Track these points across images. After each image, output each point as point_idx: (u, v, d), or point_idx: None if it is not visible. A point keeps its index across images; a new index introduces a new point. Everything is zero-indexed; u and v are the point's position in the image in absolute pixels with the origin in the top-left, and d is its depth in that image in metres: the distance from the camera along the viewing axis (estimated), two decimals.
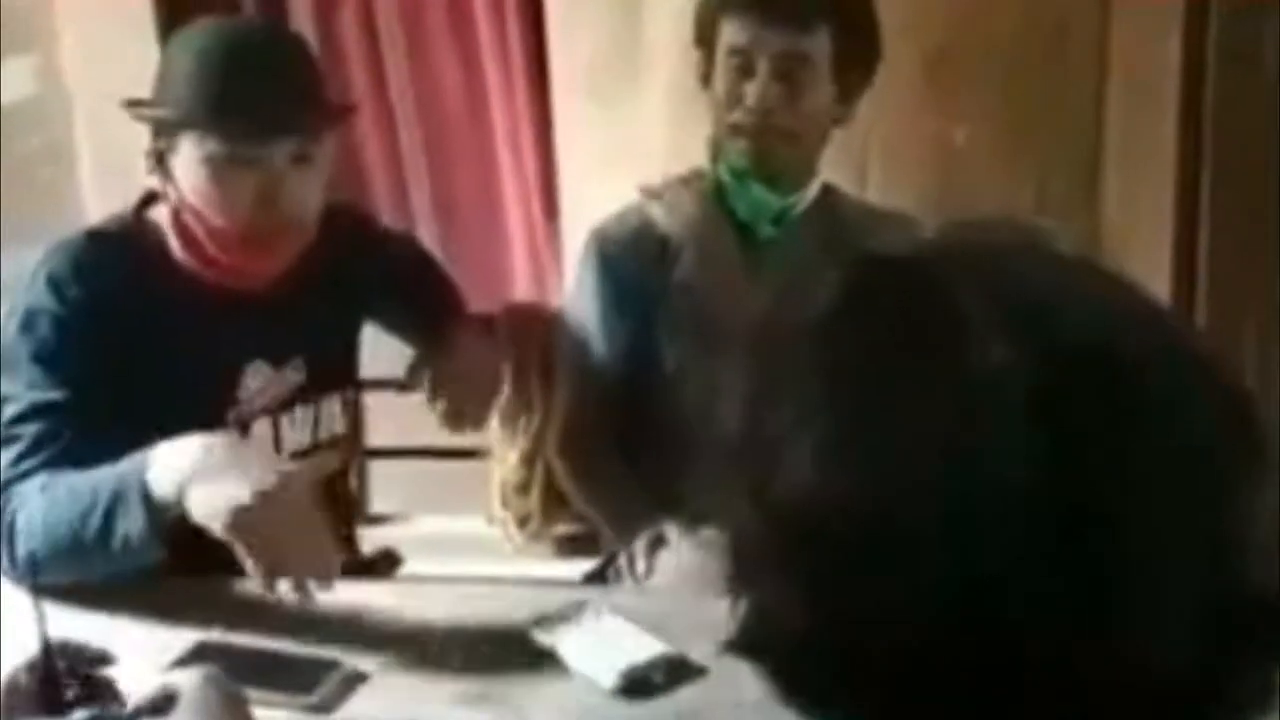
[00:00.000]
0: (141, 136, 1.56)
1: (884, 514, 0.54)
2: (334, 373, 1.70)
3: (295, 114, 1.51)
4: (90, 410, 1.47)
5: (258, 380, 1.60)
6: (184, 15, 1.81)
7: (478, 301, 1.90)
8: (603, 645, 1.33)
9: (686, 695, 1.27)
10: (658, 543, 1.68)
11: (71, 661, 1.14)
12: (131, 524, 1.33)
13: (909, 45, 2.02)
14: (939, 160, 2.20)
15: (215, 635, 1.35)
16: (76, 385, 1.48)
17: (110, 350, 1.50)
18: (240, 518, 1.26)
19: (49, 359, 1.49)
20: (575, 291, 1.83)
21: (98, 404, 1.47)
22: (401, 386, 1.67)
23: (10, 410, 1.48)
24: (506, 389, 1.85)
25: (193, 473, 1.31)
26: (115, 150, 1.89)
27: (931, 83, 2.16)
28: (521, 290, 2.57)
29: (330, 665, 1.32)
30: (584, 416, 1.81)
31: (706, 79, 1.73)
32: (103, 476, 1.37)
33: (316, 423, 1.66)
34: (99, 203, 2.20)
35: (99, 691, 1.14)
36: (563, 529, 1.99)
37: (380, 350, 1.84)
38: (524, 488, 1.99)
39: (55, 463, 1.44)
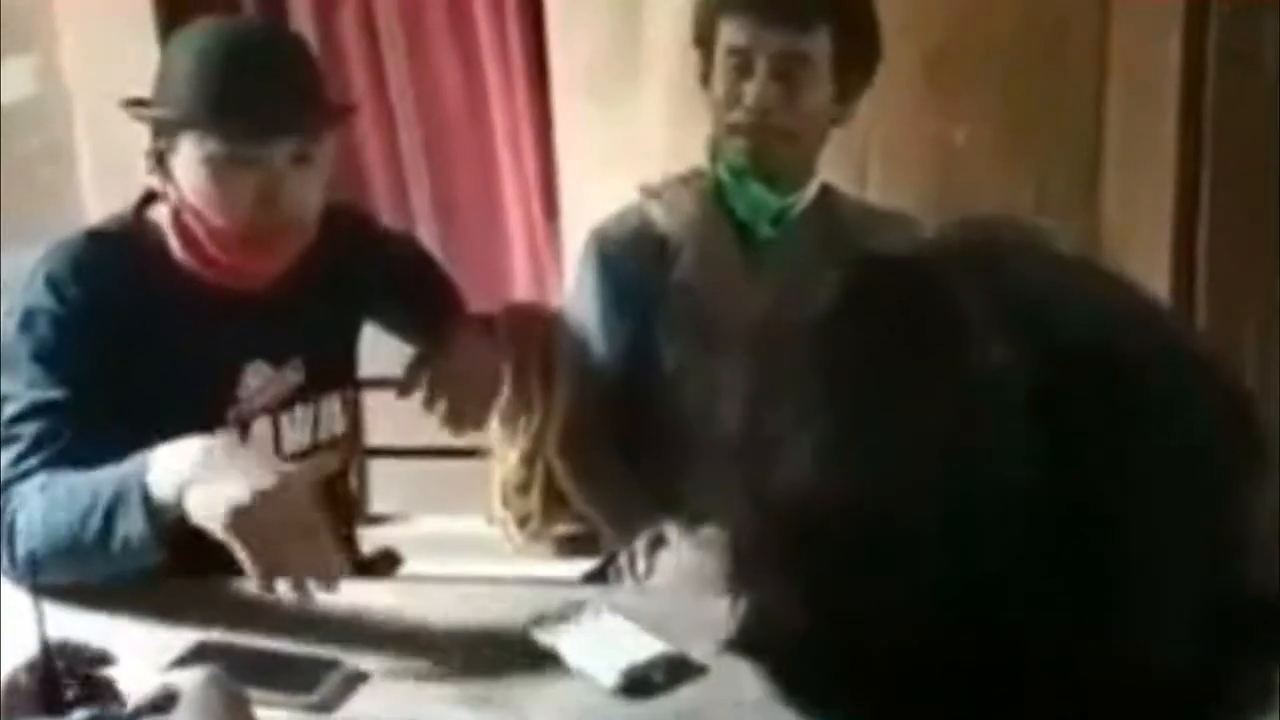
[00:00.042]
0: (141, 136, 1.56)
1: (884, 514, 0.54)
2: (333, 372, 1.70)
3: (295, 114, 1.51)
4: (90, 410, 1.47)
5: (257, 380, 1.60)
6: (184, 15, 1.81)
7: (478, 301, 1.90)
8: (603, 645, 1.33)
9: (687, 694, 1.27)
10: (658, 542, 1.68)
11: (71, 662, 1.14)
12: (132, 526, 1.33)
13: (909, 45, 2.02)
14: (939, 160, 2.20)
15: (215, 635, 1.36)
16: (76, 384, 1.48)
17: (110, 350, 1.50)
18: (239, 518, 1.26)
19: (48, 358, 1.49)
20: (575, 291, 1.83)
21: (97, 403, 1.47)
22: (399, 389, 1.67)
23: (10, 409, 1.48)
24: (506, 389, 1.85)
25: (192, 475, 1.31)
26: (115, 150, 1.89)
27: (931, 83, 2.16)
28: (521, 290, 2.57)
29: (331, 665, 1.32)
30: (584, 416, 1.81)
31: (705, 79, 1.73)
32: (103, 478, 1.37)
33: (316, 422, 1.67)
34: (99, 203, 2.20)
35: (99, 691, 1.14)
36: (563, 529, 2.00)
37: (380, 350, 1.84)
38: (524, 487, 1.99)
39: (55, 462, 1.44)
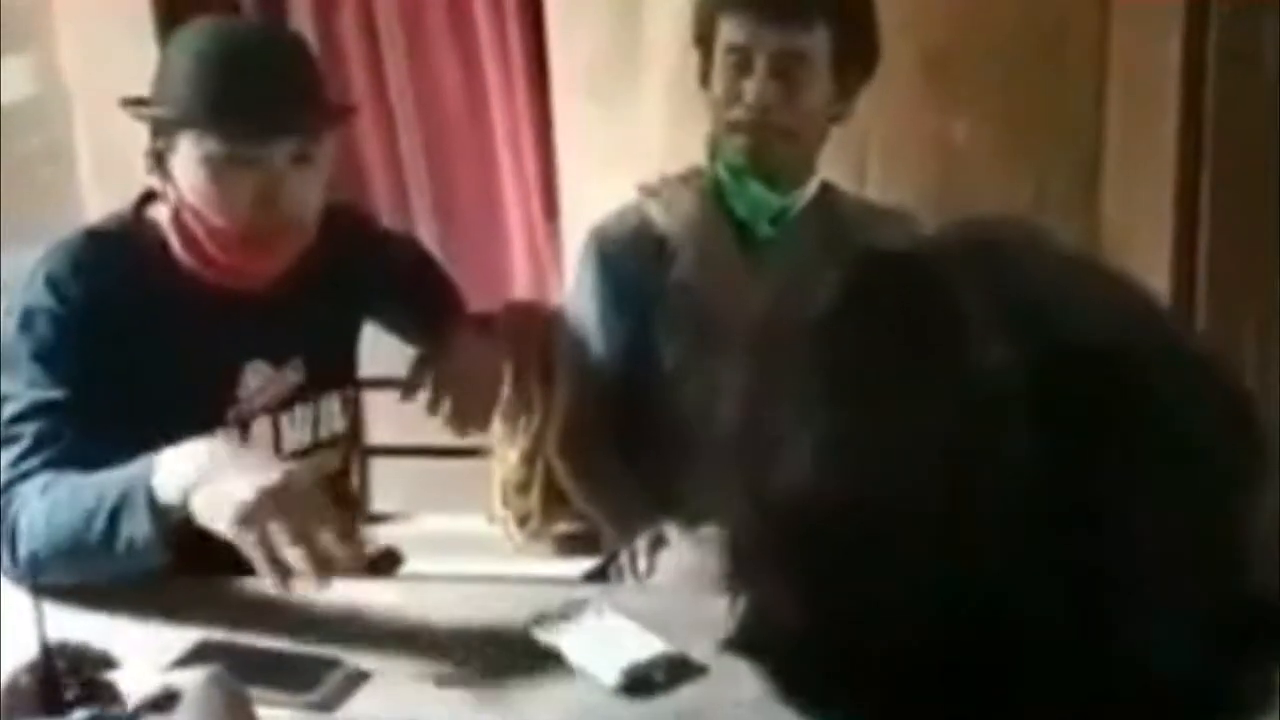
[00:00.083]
0: (141, 136, 1.56)
1: (883, 513, 0.54)
2: (333, 372, 1.70)
3: (294, 114, 1.51)
4: (90, 409, 1.47)
5: (257, 379, 1.60)
6: (183, 15, 1.81)
7: (478, 301, 1.90)
8: (604, 644, 1.33)
9: (687, 694, 1.27)
10: (658, 541, 1.68)
11: (72, 663, 1.14)
12: (137, 527, 1.34)
13: (908, 43, 2.02)
14: (938, 159, 2.20)
15: (217, 634, 1.36)
16: (76, 384, 1.48)
17: (109, 349, 1.50)
18: (245, 517, 1.27)
19: (48, 357, 1.49)
20: (574, 290, 1.83)
21: (97, 403, 1.47)
22: (403, 392, 1.67)
23: (10, 409, 1.48)
24: (506, 388, 1.85)
25: (198, 476, 1.31)
26: (114, 150, 1.89)
27: (931, 81, 2.16)
28: (521, 290, 2.57)
29: (332, 664, 1.32)
30: (583, 415, 1.81)
31: (705, 77, 1.73)
32: (108, 479, 1.37)
33: (316, 422, 1.67)
34: (98, 202, 2.20)
35: (99, 692, 1.14)
36: (563, 527, 2.00)
37: (380, 349, 1.84)
38: (524, 486, 1.99)
39: (56, 463, 1.44)
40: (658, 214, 1.76)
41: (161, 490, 1.33)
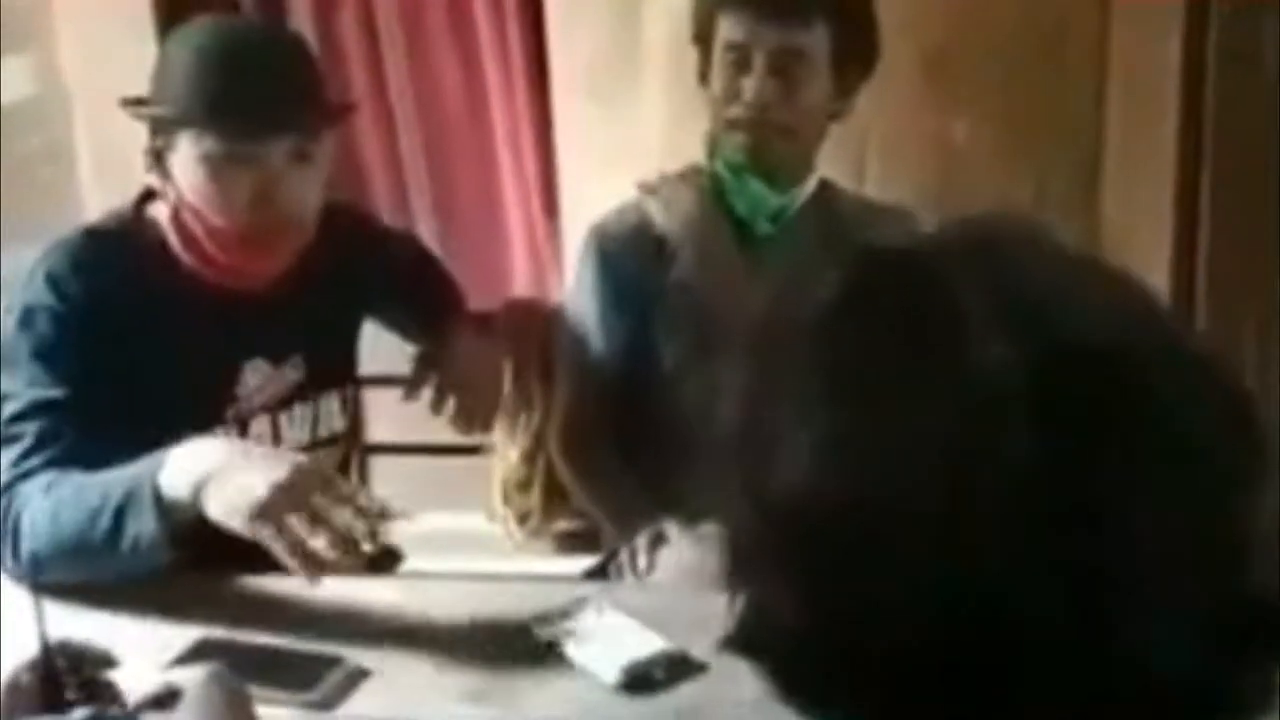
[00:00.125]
0: (141, 135, 1.56)
1: (883, 512, 0.54)
2: (333, 371, 1.70)
3: (293, 112, 1.51)
4: (90, 408, 1.47)
5: (257, 378, 1.60)
6: (183, 14, 1.81)
7: (478, 300, 1.90)
8: (604, 641, 1.33)
9: (688, 691, 1.28)
10: (658, 539, 1.68)
11: (72, 661, 1.14)
12: (143, 525, 1.34)
13: (908, 42, 2.02)
14: (937, 158, 2.20)
15: (217, 632, 1.36)
16: (76, 382, 1.48)
17: (109, 347, 1.50)
18: (260, 512, 1.27)
19: (48, 356, 1.49)
20: (574, 289, 1.83)
21: (97, 401, 1.47)
22: (406, 392, 1.67)
23: (10, 408, 1.48)
24: (507, 386, 1.85)
25: (206, 474, 1.32)
26: (114, 149, 1.89)
27: (930, 80, 2.16)
28: (521, 288, 2.57)
29: (332, 662, 1.32)
30: (583, 414, 1.81)
31: (704, 75, 1.73)
32: (113, 478, 1.38)
33: (315, 420, 1.67)
34: (98, 201, 2.20)
35: (99, 691, 1.15)
36: (564, 525, 2.00)
37: (380, 348, 1.84)
38: (525, 484, 1.99)
39: (58, 461, 1.44)
40: (657, 212, 1.76)
41: (169, 487, 1.33)
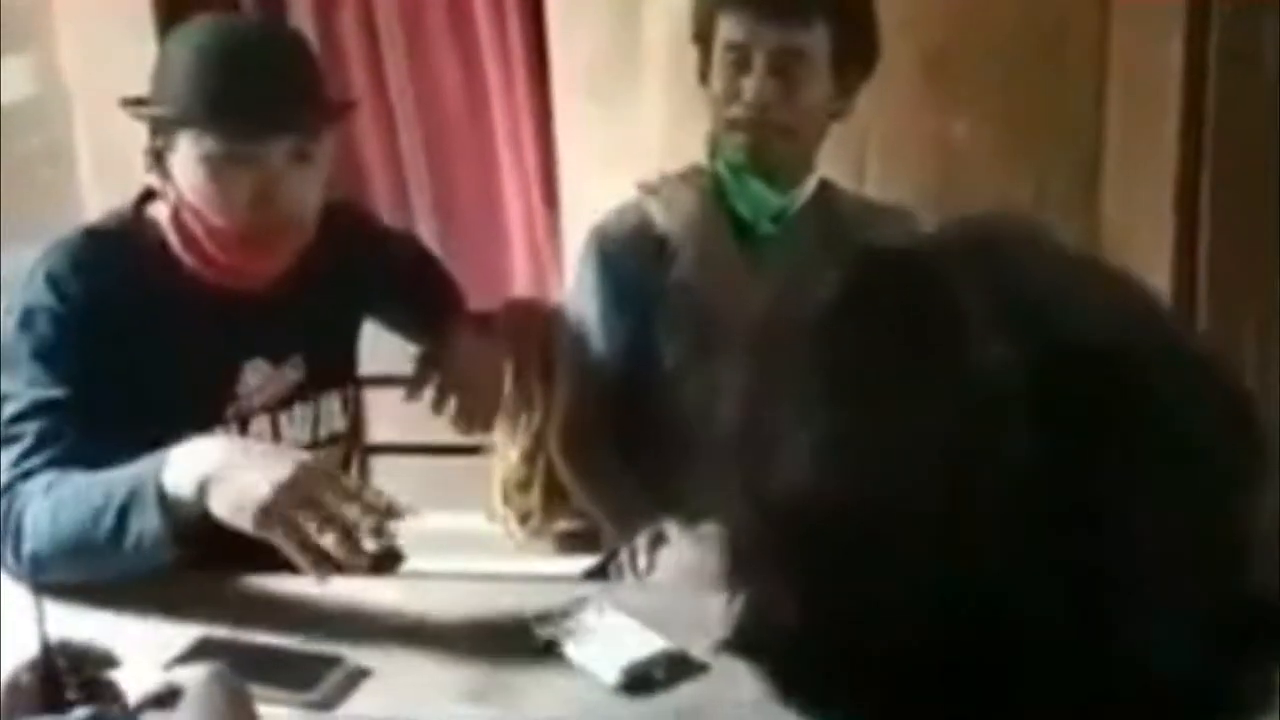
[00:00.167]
0: (141, 135, 1.56)
1: (883, 511, 0.54)
2: (333, 370, 1.70)
3: (293, 112, 1.51)
4: (90, 408, 1.47)
5: (257, 377, 1.60)
6: (183, 14, 1.80)
7: (478, 299, 1.90)
8: (604, 641, 1.33)
9: (688, 691, 1.28)
10: (659, 539, 1.68)
11: (73, 661, 1.14)
12: (146, 523, 1.34)
13: (907, 42, 2.02)
14: (937, 158, 2.20)
15: (218, 631, 1.36)
16: (76, 382, 1.48)
17: (109, 347, 1.50)
18: (266, 511, 1.28)
19: (49, 356, 1.49)
20: (575, 289, 1.83)
21: (97, 401, 1.47)
22: (407, 392, 1.68)
23: (11, 408, 1.48)
24: (507, 386, 1.85)
25: (211, 473, 1.32)
26: (114, 149, 1.89)
27: (930, 80, 2.16)
28: (521, 288, 2.57)
29: (332, 662, 1.32)
30: (584, 414, 1.81)
31: (704, 75, 1.73)
32: (116, 477, 1.38)
33: (316, 420, 1.67)
34: (98, 202, 2.20)
35: (100, 690, 1.15)
36: (564, 525, 2.00)
37: (381, 347, 1.84)
38: (525, 484, 1.99)
39: (59, 461, 1.44)
40: (658, 213, 1.76)
41: (172, 486, 1.33)
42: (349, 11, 2.51)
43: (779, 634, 0.58)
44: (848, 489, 0.54)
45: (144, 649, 1.29)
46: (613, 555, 1.78)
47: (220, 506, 1.31)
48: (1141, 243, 2.15)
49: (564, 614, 1.38)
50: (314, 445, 1.65)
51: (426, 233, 2.46)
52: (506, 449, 2.00)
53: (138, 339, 1.52)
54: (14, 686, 1.12)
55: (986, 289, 0.55)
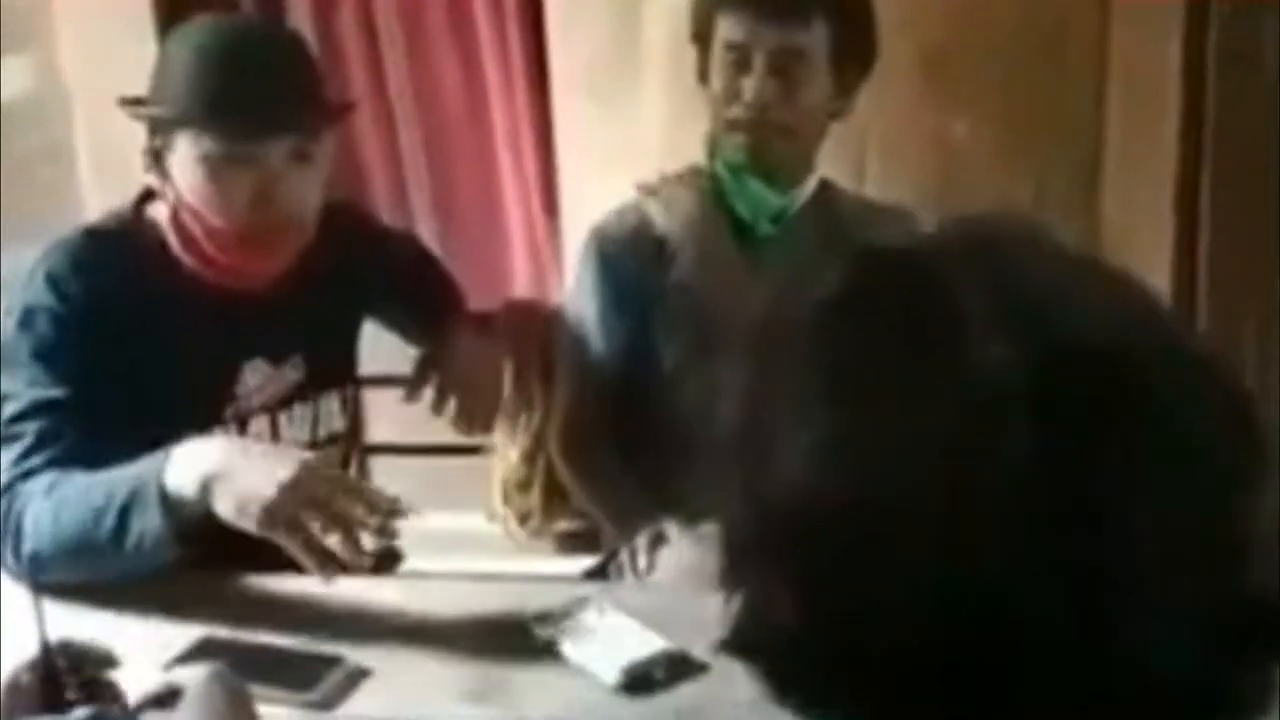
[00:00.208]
0: (140, 135, 1.55)
1: (883, 511, 0.54)
2: (333, 371, 1.70)
3: (292, 112, 1.51)
4: (90, 407, 1.47)
5: (256, 378, 1.60)
6: (183, 13, 1.81)
7: (477, 299, 1.90)
8: (604, 641, 1.33)
9: (688, 691, 1.28)
10: (659, 539, 1.69)
11: (73, 661, 1.14)
12: (148, 523, 1.34)
13: (907, 42, 2.02)
14: (938, 159, 2.20)
15: (218, 631, 1.36)
16: (76, 382, 1.48)
17: (109, 347, 1.50)
18: (270, 511, 1.28)
19: (48, 356, 1.49)
20: (575, 289, 1.83)
21: (98, 401, 1.47)
22: (407, 393, 1.68)
23: (11, 408, 1.48)
24: (507, 387, 1.85)
25: (214, 472, 1.32)
26: (114, 149, 1.89)
27: (930, 80, 2.16)
28: (521, 288, 2.57)
29: (332, 662, 1.32)
30: (583, 414, 1.81)
31: (703, 75, 1.73)
32: (117, 476, 1.38)
33: (315, 421, 1.67)
34: (98, 201, 2.20)
35: (100, 690, 1.15)
36: (564, 525, 2.00)
37: (380, 348, 1.84)
38: (525, 485, 1.99)
39: (59, 461, 1.44)
40: (657, 213, 1.76)
41: (174, 485, 1.33)
42: (348, 11, 2.51)
43: (777, 634, 0.58)
44: (847, 489, 0.54)
45: (144, 649, 1.29)
46: (613, 555, 1.78)
47: (224, 506, 1.31)
48: (1141, 243, 2.15)
49: (564, 614, 1.37)
50: (313, 445, 1.65)
51: (426, 233, 2.46)
52: (506, 449, 2.00)
53: (137, 339, 1.52)
54: (14, 686, 1.12)
55: (986, 289, 0.55)
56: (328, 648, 1.34)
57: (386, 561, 1.84)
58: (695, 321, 1.69)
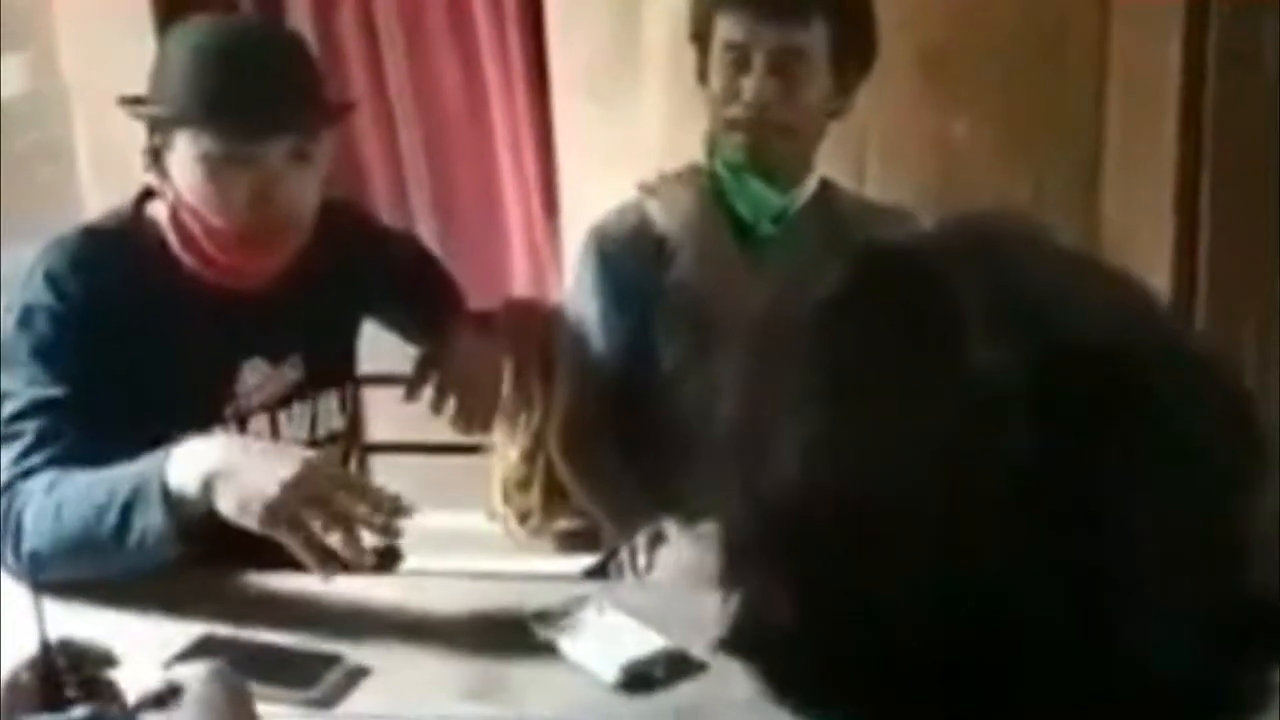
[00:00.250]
0: (140, 133, 1.55)
1: (882, 510, 0.54)
2: (332, 370, 1.70)
3: (291, 112, 1.51)
4: (90, 406, 1.47)
5: (255, 377, 1.60)
6: (182, 12, 1.81)
7: (477, 299, 1.90)
8: (604, 640, 1.33)
9: (687, 690, 1.28)
10: (658, 538, 1.69)
11: (73, 660, 1.14)
12: (150, 520, 1.34)
13: (907, 42, 2.02)
14: (937, 158, 2.20)
15: (218, 629, 1.36)
16: (75, 381, 1.48)
17: (109, 346, 1.50)
18: (273, 509, 1.28)
19: (48, 355, 1.49)
20: (574, 289, 1.83)
21: (97, 400, 1.47)
22: (407, 392, 1.68)
23: (10, 407, 1.48)
24: (507, 386, 1.85)
25: (217, 470, 1.32)
26: (113, 147, 1.89)
27: (929, 79, 2.16)
28: (521, 288, 2.57)
29: (332, 660, 1.32)
30: (583, 413, 1.81)
31: (702, 75, 1.73)
32: (119, 474, 1.38)
33: (314, 420, 1.67)
34: (97, 199, 2.20)
35: (99, 689, 1.14)
36: (563, 524, 2.00)
37: (380, 347, 1.84)
38: (525, 484, 1.99)
39: (59, 460, 1.44)
40: (657, 213, 1.76)
41: (177, 483, 1.33)
42: (348, 11, 2.51)
43: (776, 634, 0.58)
44: (846, 488, 0.54)
45: (144, 647, 1.29)
46: (612, 554, 1.78)
47: (226, 504, 1.31)
48: (1141, 243, 2.15)
49: (563, 612, 1.38)
50: (313, 444, 1.65)
51: (426, 232, 2.46)
52: (506, 448, 2.00)
53: (137, 338, 1.52)
54: (14, 685, 1.12)
55: (986, 288, 0.55)
56: (327, 646, 1.34)
57: (386, 560, 1.84)
58: (695, 321, 1.69)
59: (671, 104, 2.16)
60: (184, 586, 1.43)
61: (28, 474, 1.43)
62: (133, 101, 1.55)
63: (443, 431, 1.72)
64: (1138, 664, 0.53)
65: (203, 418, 1.51)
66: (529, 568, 1.96)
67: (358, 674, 1.31)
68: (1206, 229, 2.15)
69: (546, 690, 1.29)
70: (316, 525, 1.28)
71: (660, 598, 1.51)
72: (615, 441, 1.78)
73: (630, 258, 1.76)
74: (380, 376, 1.86)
